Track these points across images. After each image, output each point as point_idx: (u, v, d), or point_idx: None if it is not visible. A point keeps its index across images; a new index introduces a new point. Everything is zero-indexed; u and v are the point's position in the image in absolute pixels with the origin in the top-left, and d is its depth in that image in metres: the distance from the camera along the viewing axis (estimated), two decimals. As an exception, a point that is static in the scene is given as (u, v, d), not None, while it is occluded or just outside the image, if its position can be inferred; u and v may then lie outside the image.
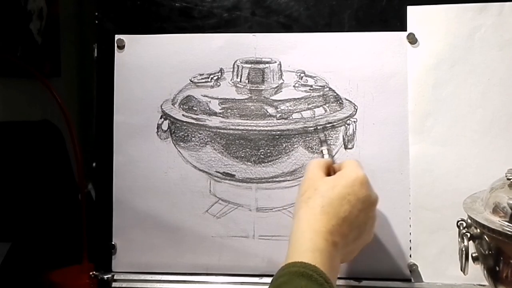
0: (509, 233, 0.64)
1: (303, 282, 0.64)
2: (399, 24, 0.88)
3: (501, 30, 0.86)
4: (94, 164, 0.93)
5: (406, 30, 0.88)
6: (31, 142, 1.48)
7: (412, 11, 0.88)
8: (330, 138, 0.88)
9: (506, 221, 0.66)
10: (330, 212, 0.73)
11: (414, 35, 0.88)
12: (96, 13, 0.93)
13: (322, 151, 0.87)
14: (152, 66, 0.92)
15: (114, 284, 0.89)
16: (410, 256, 0.86)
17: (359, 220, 0.75)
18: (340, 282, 0.86)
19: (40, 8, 1.83)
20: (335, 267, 0.72)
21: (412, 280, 0.86)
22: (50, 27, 1.88)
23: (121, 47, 0.92)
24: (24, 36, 1.76)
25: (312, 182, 0.77)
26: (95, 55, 0.93)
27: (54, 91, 1.29)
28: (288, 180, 0.89)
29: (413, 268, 0.86)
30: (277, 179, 0.89)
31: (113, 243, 0.91)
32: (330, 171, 0.81)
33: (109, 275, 0.90)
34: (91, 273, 0.91)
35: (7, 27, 1.68)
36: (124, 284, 0.90)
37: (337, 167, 0.81)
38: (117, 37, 0.92)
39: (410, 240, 0.87)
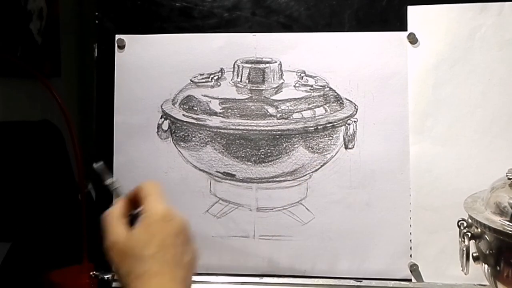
0: (510, 232, 0.64)
1: None
2: (399, 24, 0.88)
3: (501, 30, 0.86)
4: (94, 165, 0.93)
5: (406, 30, 0.88)
6: (31, 142, 1.48)
7: (412, 11, 0.88)
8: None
9: (507, 220, 0.66)
10: (177, 262, 0.67)
11: (414, 35, 0.88)
12: (96, 13, 0.93)
13: (107, 184, 0.73)
14: (152, 66, 0.92)
15: (114, 284, 0.89)
16: (411, 256, 0.86)
17: (187, 260, 0.68)
18: (340, 282, 0.87)
19: (40, 8, 1.83)
20: None
21: (413, 280, 0.86)
22: (50, 27, 1.88)
23: (122, 47, 0.92)
24: (24, 36, 1.76)
25: (121, 249, 0.67)
26: (95, 55, 0.93)
27: (54, 91, 1.30)
28: (289, 180, 0.89)
29: (413, 268, 0.86)
30: (277, 179, 0.90)
31: (113, 243, 0.91)
32: (130, 207, 0.71)
33: (109, 275, 0.90)
34: (91, 273, 0.91)
35: (7, 27, 1.68)
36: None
37: (133, 198, 0.71)
38: (117, 37, 0.92)
39: (410, 240, 0.87)
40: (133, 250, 0.66)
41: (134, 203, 0.71)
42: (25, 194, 1.36)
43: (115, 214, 0.69)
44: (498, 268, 0.68)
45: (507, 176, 0.70)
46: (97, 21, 0.93)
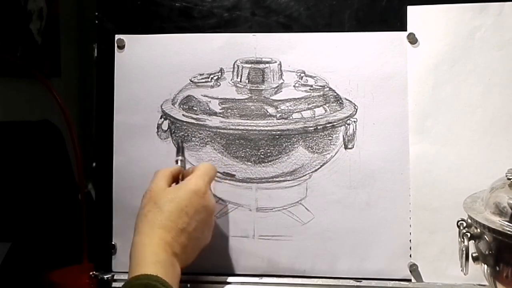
0: (510, 233, 0.64)
1: None
2: (399, 24, 0.88)
3: (501, 30, 0.86)
4: (94, 164, 0.93)
5: (406, 30, 0.88)
6: (31, 142, 1.48)
7: (412, 11, 0.88)
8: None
9: (506, 221, 0.66)
10: (168, 225, 0.76)
11: (414, 35, 0.88)
12: (96, 13, 0.93)
13: (176, 160, 0.88)
14: (152, 66, 0.92)
15: (114, 284, 0.90)
16: (410, 256, 0.86)
17: (197, 230, 0.79)
18: (340, 282, 0.87)
19: (40, 8, 1.83)
20: (176, 273, 0.75)
21: (412, 280, 0.86)
22: (50, 27, 1.88)
23: (121, 47, 0.92)
24: (24, 36, 1.76)
25: (153, 195, 0.80)
26: (95, 55, 0.93)
27: (54, 91, 1.30)
28: (288, 180, 0.89)
29: (413, 268, 0.86)
30: (277, 179, 0.90)
31: (113, 243, 0.91)
32: (178, 178, 0.85)
33: (109, 275, 0.90)
34: (91, 273, 0.91)
35: (7, 27, 1.68)
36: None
37: (186, 173, 0.85)
38: (117, 37, 0.93)
39: (410, 240, 0.87)
40: (157, 199, 0.79)
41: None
42: (25, 194, 1.36)
43: (165, 171, 0.83)
44: (497, 268, 0.68)
45: (506, 176, 0.70)
46: (96, 21, 0.93)
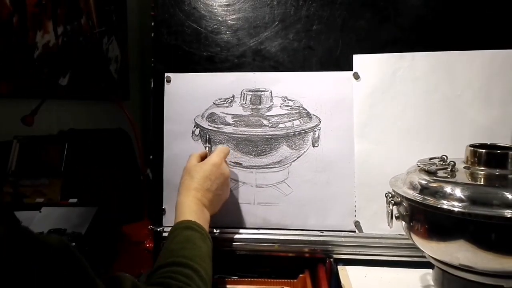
0: (418, 200, 0.65)
1: (189, 232, 0.70)
2: (348, 66, 0.88)
3: (413, 70, 0.86)
4: (151, 157, 0.93)
5: (352, 70, 0.88)
6: (110, 142, 1.48)
7: (356, 58, 0.88)
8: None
9: (417, 193, 0.66)
10: (197, 187, 0.78)
11: (357, 73, 0.87)
12: (153, 59, 0.93)
13: (205, 147, 0.89)
14: (188, 93, 0.92)
15: (164, 234, 0.89)
16: (355, 216, 0.86)
17: (218, 189, 0.80)
18: (310, 233, 0.86)
19: (116, 55, 1.84)
20: (206, 218, 0.77)
21: (356, 232, 0.86)
22: (123, 68, 1.89)
23: (169, 81, 0.92)
24: (105, 74, 1.77)
25: (188, 169, 0.82)
26: (152, 86, 0.93)
27: (125, 109, 1.30)
28: (276, 167, 0.89)
29: (357, 224, 0.86)
30: (269, 166, 0.89)
31: (163, 207, 0.91)
32: (205, 157, 0.85)
33: (161, 228, 0.90)
34: (149, 226, 0.91)
35: (95, 68, 1.69)
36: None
37: (210, 154, 0.86)
38: (166, 74, 0.92)
39: (355, 206, 0.86)
40: (191, 172, 0.80)
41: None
42: (106, 175, 1.36)
43: (196, 154, 0.85)
44: (411, 224, 0.68)
45: (417, 164, 0.71)
46: (153, 64, 0.93)
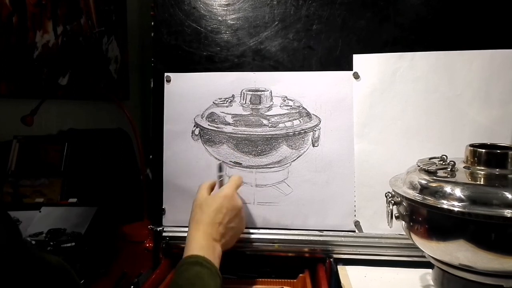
0: (418, 200, 0.65)
1: (198, 268, 0.68)
2: (347, 66, 0.88)
3: (413, 70, 0.86)
4: (151, 156, 0.93)
5: (352, 70, 0.88)
6: (111, 142, 1.49)
7: (356, 57, 0.88)
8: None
9: (416, 193, 0.66)
10: (208, 221, 0.75)
11: (357, 73, 0.87)
12: (153, 59, 0.93)
13: (218, 175, 0.85)
14: (188, 93, 0.91)
15: (164, 234, 0.89)
16: (355, 215, 0.86)
17: (230, 222, 0.78)
18: (309, 232, 0.86)
19: (116, 55, 1.84)
20: (217, 253, 0.73)
21: (356, 231, 0.86)
22: (123, 68, 1.89)
23: (169, 81, 0.92)
24: (105, 74, 1.77)
25: (198, 202, 0.79)
26: (152, 86, 0.93)
27: (125, 109, 1.30)
28: (276, 167, 0.89)
29: (356, 223, 0.86)
30: (269, 166, 0.89)
31: (163, 207, 0.91)
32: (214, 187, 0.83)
33: (160, 228, 0.90)
34: (149, 226, 0.91)
35: (95, 68, 1.69)
36: (170, 234, 0.89)
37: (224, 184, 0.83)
38: (166, 74, 0.92)
39: (354, 205, 0.86)
40: (201, 205, 0.78)
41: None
42: (105, 175, 1.36)
43: (206, 184, 0.82)
44: (411, 223, 0.68)
45: (417, 164, 0.71)
46: (153, 64, 0.93)
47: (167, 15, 0.92)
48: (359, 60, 0.87)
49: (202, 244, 0.72)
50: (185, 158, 0.90)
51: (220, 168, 0.86)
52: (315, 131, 0.88)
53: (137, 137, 1.30)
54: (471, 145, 0.68)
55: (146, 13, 1.95)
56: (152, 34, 0.93)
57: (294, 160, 0.88)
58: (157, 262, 0.89)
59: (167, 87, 0.92)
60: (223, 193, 0.79)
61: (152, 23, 0.93)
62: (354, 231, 0.86)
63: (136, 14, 1.98)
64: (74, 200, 1.13)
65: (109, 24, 1.80)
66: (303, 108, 0.89)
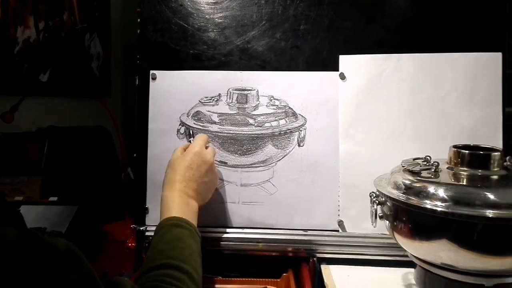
0: (402, 200, 0.65)
1: (178, 230, 0.69)
2: (334, 66, 0.88)
3: (399, 71, 0.87)
4: (134, 155, 0.92)
5: (338, 70, 0.88)
6: (92, 140, 1.47)
7: (342, 58, 0.88)
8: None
9: (401, 193, 0.67)
10: (180, 179, 0.77)
11: (343, 73, 0.88)
12: (138, 56, 0.92)
13: (189, 141, 0.88)
14: (174, 91, 0.91)
15: (147, 233, 0.89)
16: (339, 215, 0.87)
17: (202, 176, 0.79)
18: (294, 232, 0.86)
19: (98, 52, 1.82)
20: (193, 210, 0.76)
21: (340, 231, 0.86)
22: (105, 65, 1.87)
23: (154, 78, 0.91)
24: (88, 71, 1.75)
25: (170, 163, 0.80)
26: (137, 83, 0.92)
27: (107, 106, 1.29)
28: (262, 166, 0.89)
29: (340, 223, 0.87)
30: (254, 165, 0.89)
31: (146, 206, 0.90)
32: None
33: (143, 227, 0.89)
34: (131, 226, 0.90)
35: (77, 65, 1.67)
36: (153, 233, 0.88)
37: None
38: (151, 72, 0.91)
39: (338, 205, 0.87)
40: (173, 165, 0.79)
41: None
42: (87, 173, 1.35)
43: (179, 148, 0.83)
44: (394, 223, 0.69)
45: (401, 165, 0.72)
46: (138, 61, 0.92)
47: (154, 12, 0.91)
48: (345, 61, 0.88)
49: (178, 203, 0.74)
50: (170, 157, 0.89)
51: (191, 134, 0.88)
52: (301, 131, 0.88)
53: (119, 135, 1.29)
54: (455, 146, 0.69)
55: (130, 10, 1.93)
56: (138, 31, 0.92)
57: (279, 160, 0.89)
58: (139, 262, 0.88)
59: (152, 84, 0.91)
60: (191, 150, 0.80)
61: (138, 20, 0.92)
62: (338, 231, 0.86)
63: (120, 11, 1.96)
64: (55, 198, 1.11)
65: (92, 21, 1.78)
66: (289, 107, 0.89)
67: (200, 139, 0.83)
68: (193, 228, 0.71)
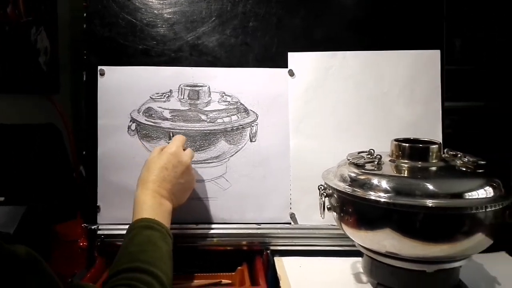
0: (348, 192, 0.68)
1: (149, 231, 0.67)
2: (283, 63, 0.90)
3: (345, 68, 0.90)
4: (84, 152, 0.90)
5: (287, 67, 0.90)
6: (40, 138, 1.42)
7: (291, 55, 0.90)
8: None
9: (346, 185, 0.69)
10: (154, 179, 0.75)
11: (292, 70, 0.90)
12: (85, 51, 0.90)
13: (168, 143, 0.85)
14: (124, 87, 0.89)
15: (98, 232, 0.87)
16: (291, 208, 0.89)
17: (177, 177, 0.77)
18: (248, 226, 0.88)
19: (45, 46, 1.75)
20: (166, 211, 0.74)
21: (292, 223, 0.88)
22: (53, 60, 1.80)
23: (102, 74, 0.90)
24: (34, 66, 1.68)
25: (146, 163, 0.79)
26: (84, 79, 0.90)
27: (56, 103, 1.25)
28: (215, 162, 0.90)
29: (292, 216, 0.89)
30: (207, 161, 0.90)
31: (98, 204, 0.89)
32: None
33: (95, 226, 0.88)
34: (82, 225, 0.89)
35: (23, 60, 1.60)
36: (105, 232, 0.87)
37: None
38: (99, 67, 0.89)
39: (290, 198, 0.89)
40: (148, 164, 0.77)
41: None
42: (36, 172, 1.31)
43: (157, 148, 0.81)
44: (341, 214, 0.71)
45: (347, 158, 0.74)
46: (85, 56, 0.90)
47: (100, 6, 0.89)
48: (294, 58, 0.90)
49: (150, 204, 0.72)
50: (121, 154, 0.88)
51: (170, 137, 0.87)
52: (253, 126, 0.89)
53: (69, 133, 1.25)
54: (396, 140, 0.72)
55: (78, 4, 1.87)
56: (84, 26, 0.89)
57: (232, 155, 0.89)
58: (92, 261, 0.87)
59: (100, 80, 0.89)
60: (167, 151, 0.78)
61: (84, 14, 0.90)
62: (290, 223, 0.88)
63: (67, 5, 1.89)
64: (2, 199, 1.07)
65: (38, 14, 1.71)
66: (241, 104, 0.90)
67: (177, 140, 0.81)
68: (164, 230, 0.69)
